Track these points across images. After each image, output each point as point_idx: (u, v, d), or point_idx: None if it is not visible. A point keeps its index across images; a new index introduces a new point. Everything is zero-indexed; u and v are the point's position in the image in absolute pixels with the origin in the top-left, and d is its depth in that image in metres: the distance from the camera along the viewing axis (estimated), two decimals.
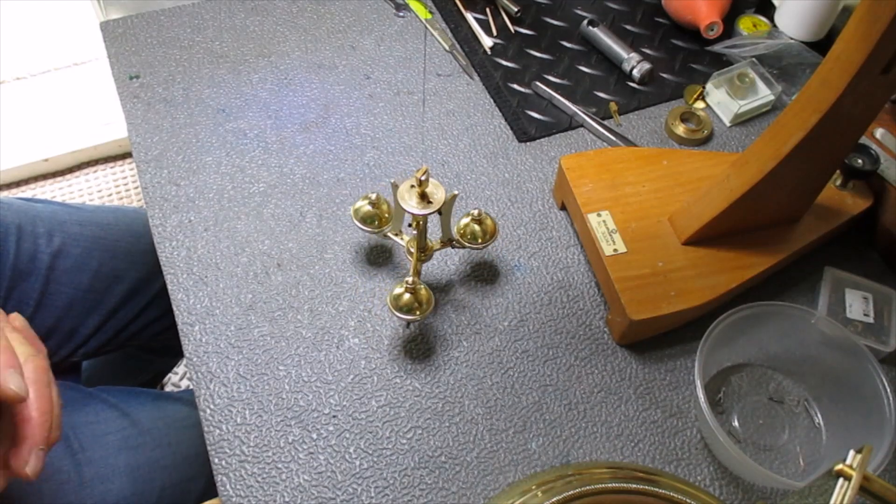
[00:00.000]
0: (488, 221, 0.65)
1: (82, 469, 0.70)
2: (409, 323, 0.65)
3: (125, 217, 0.87)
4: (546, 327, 0.66)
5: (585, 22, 0.85)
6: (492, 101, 0.81)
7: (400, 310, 0.59)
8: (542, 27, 0.87)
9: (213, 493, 0.60)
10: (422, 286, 0.60)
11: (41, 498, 0.67)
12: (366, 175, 0.74)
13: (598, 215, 0.66)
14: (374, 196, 0.64)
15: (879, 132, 0.72)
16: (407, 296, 0.59)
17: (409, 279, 0.59)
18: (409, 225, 0.63)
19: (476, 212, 0.64)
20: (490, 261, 0.70)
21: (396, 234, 0.65)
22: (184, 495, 0.76)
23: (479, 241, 0.64)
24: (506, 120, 0.79)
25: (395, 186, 0.60)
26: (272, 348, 0.64)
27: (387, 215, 0.65)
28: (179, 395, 0.86)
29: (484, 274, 0.69)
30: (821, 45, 0.84)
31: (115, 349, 0.88)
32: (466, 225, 0.65)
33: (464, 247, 0.65)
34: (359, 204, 0.65)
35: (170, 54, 0.82)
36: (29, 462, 0.51)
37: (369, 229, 0.64)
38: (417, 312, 0.59)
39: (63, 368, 0.85)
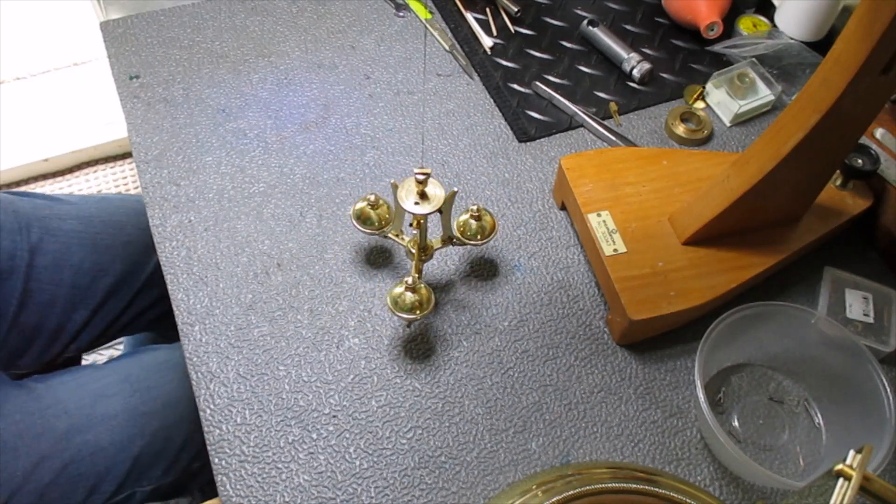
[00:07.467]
0: (487, 217, 0.65)
1: (58, 421, 0.70)
2: (409, 323, 0.65)
3: (109, 206, 0.86)
4: (546, 327, 0.66)
5: (585, 22, 0.85)
6: (492, 101, 0.81)
7: (400, 309, 0.59)
8: (542, 27, 0.87)
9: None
10: (422, 285, 0.60)
11: (17, 457, 0.67)
12: (366, 175, 0.74)
13: (598, 215, 0.66)
14: (372, 197, 0.64)
15: (879, 132, 0.72)
16: (408, 295, 0.59)
17: (410, 278, 0.59)
18: (410, 224, 0.63)
19: (475, 208, 0.64)
20: (490, 261, 0.70)
21: (397, 235, 0.65)
22: (166, 442, 0.75)
23: (479, 237, 0.64)
24: (506, 120, 0.79)
25: (395, 187, 0.60)
26: (272, 348, 0.64)
27: (386, 216, 0.65)
28: (158, 346, 0.85)
29: (484, 274, 0.69)
30: (821, 45, 0.84)
31: (110, 340, 0.87)
32: (465, 222, 0.65)
33: (464, 244, 0.65)
34: (358, 205, 0.65)
35: (170, 54, 0.82)
36: None
37: (368, 230, 0.64)
38: (418, 312, 0.59)
39: (58, 365, 0.84)
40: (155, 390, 0.76)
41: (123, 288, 0.84)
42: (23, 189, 1.67)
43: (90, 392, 0.73)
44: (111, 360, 0.80)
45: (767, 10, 0.88)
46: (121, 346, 1.40)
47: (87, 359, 1.42)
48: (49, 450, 0.69)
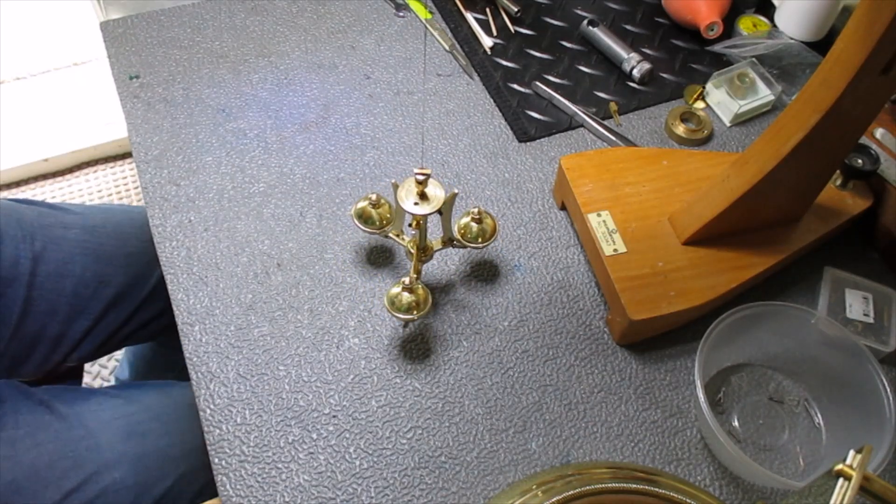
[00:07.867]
0: (488, 220, 0.65)
1: (90, 455, 0.69)
2: (406, 323, 0.65)
3: (113, 217, 0.86)
4: (546, 327, 0.66)
5: (585, 22, 0.85)
6: (492, 101, 0.81)
7: (398, 309, 0.59)
8: (542, 27, 0.87)
9: (212, 491, 0.60)
10: (419, 285, 0.60)
11: (46, 487, 0.67)
12: (366, 175, 0.74)
13: (598, 215, 0.66)
14: (374, 196, 0.64)
15: (879, 132, 0.72)
16: (405, 295, 0.59)
17: (407, 278, 0.59)
18: (410, 225, 0.63)
19: (476, 210, 0.64)
20: (490, 261, 0.70)
21: (397, 235, 0.65)
22: (186, 486, 0.75)
23: (480, 240, 0.64)
24: (506, 120, 0.79)
25: (395, 186, 0.60)
26: (272, 348, 0.64)
27: (388, 215, 0.65)
28: (186, 384, 0.85)
29: (484, 274, 0.69)
30: (821, 45, 0.84)
31: (112, 351, 0.87)
32: (466, 224, 0.65)
33: (465, 246, 0.65)
34: (360, 204, 0.65)
35: (170, 54, 0.82)
36: None
37: (370, 229, 0.64)
38: (414, 312, 0.59)
39: (60, 374, 0.84)
40: (185, 434, 0.75)
41: (125, 299, 0.84)
42: (23, 189, 1.67)
43: (122, 427, 0.72)
44: (140, 388, 0.79)
45: (767, 10, 0.88)
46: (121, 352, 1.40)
47: (90, 368, 1.43)
48: (77, 484, 0.68)
